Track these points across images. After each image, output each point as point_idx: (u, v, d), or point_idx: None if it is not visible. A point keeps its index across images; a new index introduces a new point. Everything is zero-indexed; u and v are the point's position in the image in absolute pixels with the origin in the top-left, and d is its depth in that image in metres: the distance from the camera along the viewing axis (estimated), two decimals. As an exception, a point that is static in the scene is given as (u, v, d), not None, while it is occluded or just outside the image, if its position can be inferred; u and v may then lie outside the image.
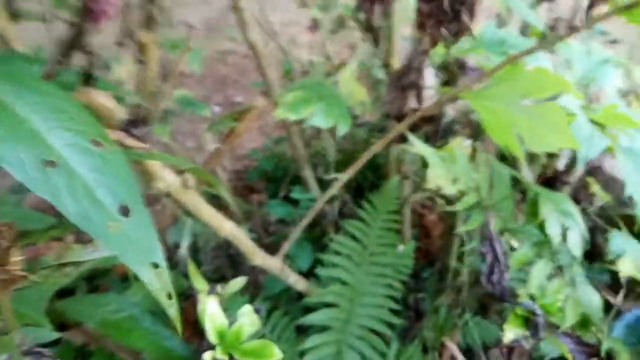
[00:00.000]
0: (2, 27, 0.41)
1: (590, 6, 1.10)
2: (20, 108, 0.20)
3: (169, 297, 0.20)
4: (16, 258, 0.23)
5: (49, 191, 0.19)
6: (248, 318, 0.62)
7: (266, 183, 1.59)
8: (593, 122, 0.76)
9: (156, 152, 0.32)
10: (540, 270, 0.71)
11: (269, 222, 1.51)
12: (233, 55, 2.62)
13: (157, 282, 0.20)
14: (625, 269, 0.92)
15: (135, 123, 0.48)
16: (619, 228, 0.93)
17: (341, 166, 1.40)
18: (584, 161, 0.63)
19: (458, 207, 0.70)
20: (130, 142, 0.33)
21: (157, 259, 0.20)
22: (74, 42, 0.27)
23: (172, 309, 0.20)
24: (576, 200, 1.14)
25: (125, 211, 0.20)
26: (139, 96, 0.44)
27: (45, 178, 0.19)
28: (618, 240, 0.94)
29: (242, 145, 1.85)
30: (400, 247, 1.04)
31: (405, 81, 0.69)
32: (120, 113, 0.50)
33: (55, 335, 0.33)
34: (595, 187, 1.07)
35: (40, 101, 0.21)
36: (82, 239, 0.35)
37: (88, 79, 0.33)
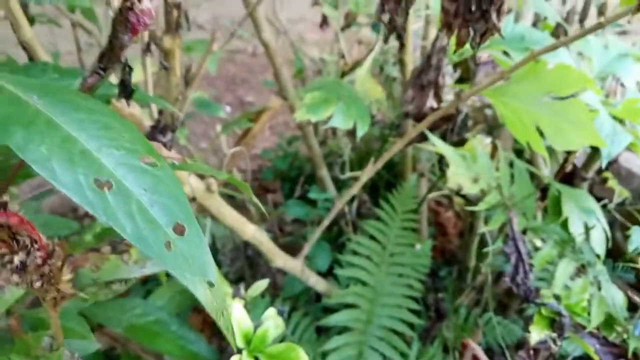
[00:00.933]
0: (29, 38, 0.41)
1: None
2: (67, 126, 0.21)
3: (223, 314, 0.20)
4: (67, 276, 0.23)
5: (106, 213, 0.19)
6: (273, 321, 0.62)
7: (281, 182, 1.59)
8: (613, 117, 0.75)
9: (191, 162, 0.33)
10: (564, 270, 0.70)
11: (285, 222, 1.52)
12: (241, 54, 2.62)
13: (214, 300, 0.20)
14: (647, 265, 0.91)
15: (161, 130, 0.48)
16: (639, 224, 0.92)
17: (356, 165, 1.40)
18: (608, 158, 0.62)
19: (480, 206, 0.69)
20: (165, 152, 0.34)
21: (212, 277, 0.20)
22: (111, 55, 0.27)
23: (228, 329, 0.20)
24: (593, 195, 1.12)
25: (180, 229, 0.20)
26: (165, 102, 0.45)
27: (102, 200, 0.19)
28: (639, 237, 0.93)
29: (254, 145, 1.85)
30: (418, 246, 1.03)
31: (424, 79, 0.68)
32: (146, 121, 0.50)
33: (96, 346, 0.33)
34: (613, 182, 1.06)
35: (86, 118, 0.21)
36: (117, 249, 0.35)
37: (125, 90, 0.33)
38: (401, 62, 0.92)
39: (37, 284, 0.23)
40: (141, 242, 0.19)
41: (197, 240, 0.21)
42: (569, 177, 1.01)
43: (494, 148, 0.80)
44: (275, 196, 1.63)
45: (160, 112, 0.47)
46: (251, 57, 2.55)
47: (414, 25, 1.15)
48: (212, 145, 1.77)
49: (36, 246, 0.22)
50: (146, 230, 0.19)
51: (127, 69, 0.31)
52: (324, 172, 1.18)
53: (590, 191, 1.15)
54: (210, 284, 0.20)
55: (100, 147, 0.21)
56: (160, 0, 0.43)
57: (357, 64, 0.96)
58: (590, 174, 0.98)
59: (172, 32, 0.44)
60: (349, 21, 1.33)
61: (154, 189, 0.21)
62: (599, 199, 1.05)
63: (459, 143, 0.89)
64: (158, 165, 0.21)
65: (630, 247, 0.91)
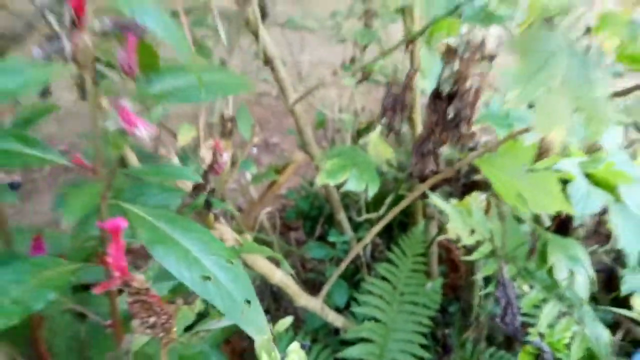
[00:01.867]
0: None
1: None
2: (184, 243, 0.34)
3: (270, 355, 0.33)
4: (175, 329, 0.36)
5: (209, 296, 0.32)
6: (296, 355, 0.74)
7: (303, 221, 1.73)
8: (594, 176, 0.86)
9: (248, 245, 0.46)
10: (548, 312, 0.81)
11: (306, 259, 1.64)
12: (267, 97, 2.80)
13: (267, 348, 0.32)
14: (638, 305, 1.01)
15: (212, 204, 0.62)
16: None
17: (371, 205, 1.52)
18: (580, 220, 0.73)
19: (474, 256, 0.81)
20: (227, 236, 0.47)
21: (266, 334, 0.33)
22: (201, 187, 0.41)
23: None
24: (603, 234, 1.22)
25: (248, 303, 0.33)
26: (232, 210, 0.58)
27: (205, 288, 0.32)
28: (630, 279, 1.03)
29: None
30: (429, 285, 1.14)
31: (425, 149, 0.81)
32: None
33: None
34: (610, 225, 1.16)
35: (193, 236, 0.35)
36: (188, 300, 0.48)
37: (208, 206, 0.47)
38: (410, 119, 1.06)
39: (160, 335, 0.36)
40: (228, 313, 0.32)
41: (258, 309, 0.34)
42: (564, 224, 1.11)
43: (488, 204, 0.91)
44: (298, 234, 1.76)
45: (213, 191, 0.61)
46: (276, 99, 2.72)
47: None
48: (241, 188, 1.92)
49: (163, 312, 0.35)
50: (230, 306, 0.33)
51: (211, 193, 0.45)
52: (341, 216, 1.31)
53: (596, 230, 1.25)
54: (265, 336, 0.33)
55: (202, 254, 0.34)
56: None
57: (370, 124, 1.09)
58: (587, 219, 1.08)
59: (226, 137, 0.59)
60: (365, 77, 1.48)
61: (235, 281, 0.34)
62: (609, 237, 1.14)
63: (470, 185, 1.00)
64: (234, 263, 0.35)
65: (623, 288, 1.01)
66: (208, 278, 0.33)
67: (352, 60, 1.27)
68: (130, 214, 0.33)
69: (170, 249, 0.33)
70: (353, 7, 1.54)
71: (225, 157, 0.40)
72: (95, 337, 0.46)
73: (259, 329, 0.33)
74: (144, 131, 0.32)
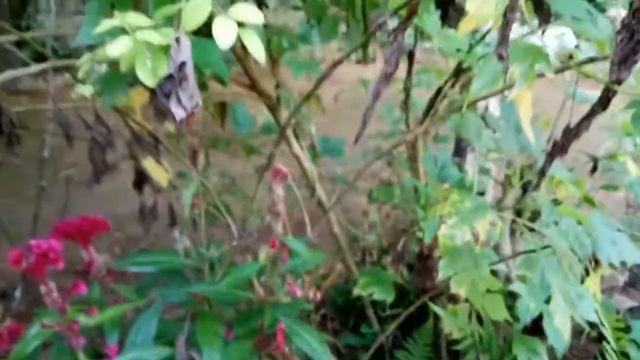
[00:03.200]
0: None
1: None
2: (302, 333, 0.77)
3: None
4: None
5: (311, 352, 0.75)
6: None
7: (338, 315, 2.12)
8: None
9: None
10: (513, 386, 1.18)
11: (341, 346, 2.02)
12: (306, 201, 3.29)
13: None
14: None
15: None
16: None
17: (393, 303, 1.92)
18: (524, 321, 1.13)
19: (459, 346, 1.20)
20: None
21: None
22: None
23: None
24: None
25: (327, 356, 0.76)
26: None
27: (312, 349, 0.75)
28: None
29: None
30: (437, 369, 1.51)
31: (422, 273, 1.24)
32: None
33: None
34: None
35: (306, 331, 0.77)
36: None
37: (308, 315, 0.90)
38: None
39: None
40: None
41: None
42: (537, 324, 1.49)
43: (471, 310, 1.31)
44: (334, 324, 2.14)
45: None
46: (315, 206, 3.20)
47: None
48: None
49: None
50: (320, 357, 0.75)
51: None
52: (369, 312, 1.72)
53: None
54: None
55: (309, 337, 0.77)
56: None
57: (390, 246, 1.53)
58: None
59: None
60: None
61: (321, 346, 0.76)
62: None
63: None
64: (321, 339, 0.77)
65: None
66: (312, 346, 0.75)
67: (375, 197, 1.74)
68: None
69: (300, 337, 0.76)
70: (379, 147, 2.06)
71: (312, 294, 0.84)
72: None
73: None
74: (299, 293, 0.76)
